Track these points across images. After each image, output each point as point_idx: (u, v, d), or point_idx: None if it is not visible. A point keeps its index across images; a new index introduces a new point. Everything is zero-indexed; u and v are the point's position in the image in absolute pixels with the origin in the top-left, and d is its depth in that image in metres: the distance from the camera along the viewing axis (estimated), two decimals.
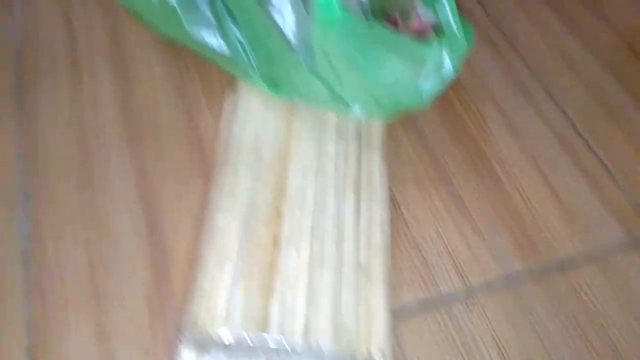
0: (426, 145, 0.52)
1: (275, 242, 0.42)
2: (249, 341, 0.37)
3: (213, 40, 0.45)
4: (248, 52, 0.46)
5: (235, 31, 0.46)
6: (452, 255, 0.46)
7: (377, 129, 0.50)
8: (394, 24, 0.44)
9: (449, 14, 0.38)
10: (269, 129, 0.48)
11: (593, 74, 0.60)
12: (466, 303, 0.43)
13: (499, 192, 0.50)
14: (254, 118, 0.49)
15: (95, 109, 0.51)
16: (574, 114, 0.57)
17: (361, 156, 0.46)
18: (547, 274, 0.46)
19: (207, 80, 0.54)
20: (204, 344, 0.37)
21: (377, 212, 0.45)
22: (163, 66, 0.55)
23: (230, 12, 0.46)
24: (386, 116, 0.48)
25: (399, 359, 0.40)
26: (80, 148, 0.48)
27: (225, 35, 0.46)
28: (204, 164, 0.48)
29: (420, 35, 0.41)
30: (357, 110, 0.43)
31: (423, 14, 0.41)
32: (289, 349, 0.37)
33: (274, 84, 0.46)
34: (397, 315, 0.42)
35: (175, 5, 0.45)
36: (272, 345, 0.37)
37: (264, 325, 0.37)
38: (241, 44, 0.44)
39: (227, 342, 0.37)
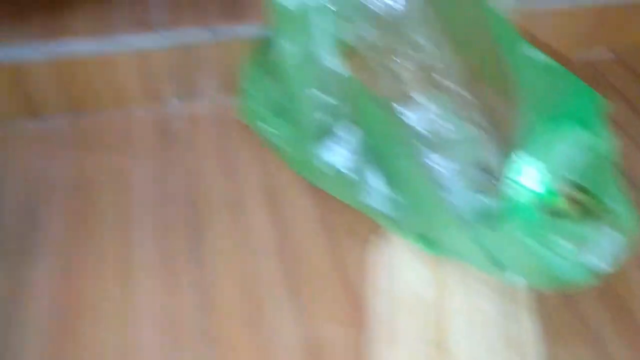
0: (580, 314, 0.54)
1: None
2: None
3: (365, 196, 0.50)
4: (400, 208, 0.50)
5: (387, 187, 0.50)
6: None
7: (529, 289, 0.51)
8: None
9: (618, 194, 0.40)
10: (420, 280, 0.51)
11: None
12: None
13: None
14: (403, 268, 0.52)
15: (254, 253, 0.57)
16: None
17: (515, 314, 0.49)
18: None
19: (355, 225, 0.58)
20: None
21: None
22: (313, 209, 0.60)
23: (385, 169, 0.50)
24: (545, 287, 0.50)
25: None
26: (245, 292, 0.54)
27: (375, 191, 0.51)
28: (356, 310, 0.52)
29: None
30: (513, 276, 0.45)
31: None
32: None
33: (426, 241, 0.50)
34: None
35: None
36: None
37: None
38: (393, 199, 0.48)
39: None
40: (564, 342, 0.50)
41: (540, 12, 0.75)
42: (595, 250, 0.39)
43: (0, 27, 0.64)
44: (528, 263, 0.43)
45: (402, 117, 0.46)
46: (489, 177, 0.46)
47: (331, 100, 0.46)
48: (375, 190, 0.48)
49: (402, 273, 0.52)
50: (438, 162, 0.46)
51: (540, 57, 0.42)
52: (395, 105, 0.47)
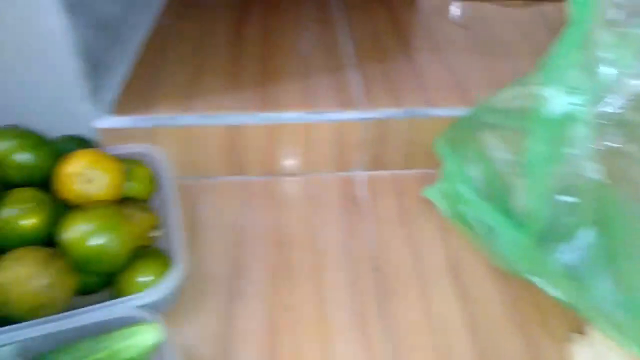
0: None
1: None
2: None
3: (591, 296, 0.49)
4: (632, 312, 0.48)
5: (620, 290, 0.49)
6: None
7: None
8: None
9: None
10: None
11: None
12: None
13: None
14: None
15: (444, 327, 0.58)
16: None
17: None
18: None
19: (549, 317, 0.58)
20: None
21: None
22: (501, 294, 0.61)
23: (622, 272, 0.49)
24: None
25: None
26: None
27: (604, 292, 0.49)
28: None
29: None
30: None
31: None
32: None
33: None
34: None
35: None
36: None
37: None
38: (624, 303, 0.48)
39: None
40: None
41: None
42: None
43: (222, 97, 0.74)
44: None
45: None
46: None
47: (573, 202, 0.47)
48: (605, 292, 0.47)
49: None
50: None
51: None
52: None
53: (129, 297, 0.52)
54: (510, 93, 0.55)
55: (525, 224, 0.52)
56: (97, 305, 0.51)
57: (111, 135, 0.69)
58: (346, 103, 0.73)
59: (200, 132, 0.70)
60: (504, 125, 0.54)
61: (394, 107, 0.73)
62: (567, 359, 0.54)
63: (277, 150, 0.73)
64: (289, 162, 0.75)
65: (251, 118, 0.71)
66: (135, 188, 0.63)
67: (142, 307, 0.51)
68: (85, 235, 0.51)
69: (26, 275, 0.47)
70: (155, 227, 0.61)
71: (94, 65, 0.67)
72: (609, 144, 0.44)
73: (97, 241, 0.51)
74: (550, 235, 0.49)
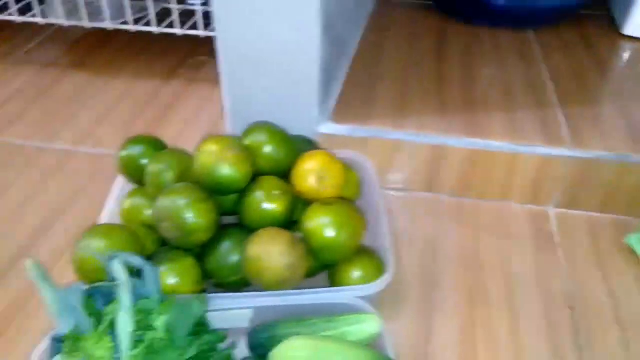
0: None
1: None
2: None
3: None
4: None
5: None
6: None
7: None
8: None
9: None
10: None
11: None
12: None
13: None
14: None
15: None
16: None
17: None
18: None
19: None
20: None
21: None
22: None
23: None
24: None
25: None
26: None
27: None
28: None
29: None
30: None
31: None
32: None
33: None
34: None
35: None
36: None
37: None
38: None
39: None
40: None
41: None
42: None
43: (428, 118, 0.79)
44: None
45: None
46: None
47: None
48: None
49: None
50: None
51: None
52: None
53: (351, 287, 0.58)
54: None
55: None
56: (323, 289, 0.58)
57: (328, 140, 0.77)
58: (553, 139, 0.74)
59: (407, 148, 0.76)
60: None
61: (603, 149, 0.73)
62: None
63: (476, 174, 0.77)
64: (485, 188, 0.78)
65: (457, 141, 0.75)
66: (346, 191, 0.70)
67: (360, 298, 0.57)
68: (325, 226, 0.58)
69: (277, 252, 0.55)
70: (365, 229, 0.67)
71: (327, 77, 0.76)
72: None
73: (333, 233, 0.58)
74: None
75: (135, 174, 0.69)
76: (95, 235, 0.57)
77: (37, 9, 1.03)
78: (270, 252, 0.56)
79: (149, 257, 0.58)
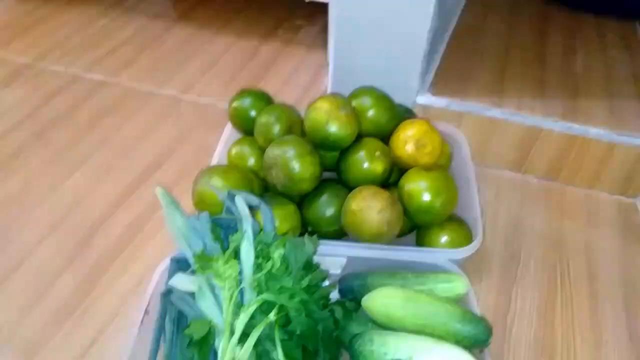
0: None
1: None
2: None
3: None
4: None
5: None
6: None
7: None
8: None
9: None
10: None
11: None
12: None
13: None
14: None
15: None
16: None
17: None
18: None
19: None
20: None
21: None
22: None
23: None
24: None
25: None
26: None
27: None
28: None
29: None
30: None
31: None
32: None
33: None
34: None
35: None
36: None
37: None
38: None
39: None
40: None
41: None
42: None
43: (527, 99, 0.80)
44: None
45: None
46: None
47: None
48: None
49: None
50: None
51: None
52: None
53: (441, 249, 0.62)
54: None
55: None
56: (416, 248, 0.62)
57: (424, 111, 0.79)
58: None
59: (503, 126, 0.78)
60: None
61: None
62: None
63: (568, 159, 0.77)
64: (575, 173, 0.78)
65: (553, 125, 0.76)
66: (439, 160, 0.72)
67: (451, 261, 0.60)
68: (423, 190, 0.62)
69: (378, 208, 0.60)
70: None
71: (431, 49, 0.78)
72: None
73: (430, 197, 0.61)
74: None
75: (243, 124, 0.74)
76: (214, 174, 0.63)
77: None
78: (372, 207, 0.60)
79: None
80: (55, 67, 1.01)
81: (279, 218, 0.63)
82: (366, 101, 0.69)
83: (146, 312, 0.54)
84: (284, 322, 0.48)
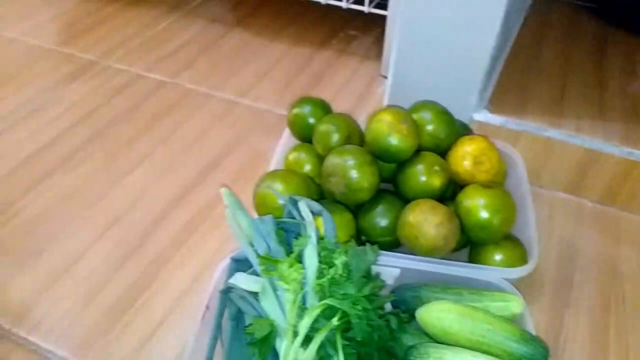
0: None
1: None
2: None
3: None
4: None
5: None
6: None
7: None
8: None
9: None
10: None
11: None
12: None
13: None
14: None
15: None
16: None
17: None
18: None
19: None
20: None
21: None
22: None
23: None
24: None
25: None
26: None
27: None
28: None
29: None
30: None
31: None
32: None
33: None
34: None
35: None
36: None
37: None
38: None
39: None
40: None
41: None
42: None
43: (586, 121, 0.79)
44: None
45: None
46: None
47: None
48: None
49: None
50: None
51: None
52: None
53: (497, 268, 0.62)
54: None
55: None
56: (472, 265, 0.62)
57: (480, 128, 0.80)
58: None
59: (561, 147, 0.77)
60: None
61: None
62: None
63: (626, 185, 0.76)
64: (632, 200, 0.77)
65: (613, 149, 0.75)
66: (495, 178, 0.72)
67: (505, 280, 0.61)
68: (481, 207, 0.62)
69: (436, 222, 0.60)
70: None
71: (491, 66, 0.78)
72: None
73: (488, 215, 0.62)
74: None
75: (301, 131, 0.76)
76: (276, 178, 0.65)
77: None
78: (430, 220, 0.60)
79: None
80: (118, 65, 1.05)
81: (336, 226, 0.64)
82: (426, 115, 0.69)
83: (207, 308, 0.56)
84: (344, 328, 0.49)
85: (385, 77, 1.04)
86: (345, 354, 0.47)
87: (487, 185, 0.64)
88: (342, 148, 0.66)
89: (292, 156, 0.74)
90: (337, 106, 0.78)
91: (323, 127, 0.71)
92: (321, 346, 0.47)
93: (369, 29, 1.20)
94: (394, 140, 0.64)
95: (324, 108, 0.77)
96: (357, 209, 0.68)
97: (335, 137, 0.70)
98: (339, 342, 0.47)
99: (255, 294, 0.53)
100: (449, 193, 0.69)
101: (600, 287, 0.69)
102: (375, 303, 0.51)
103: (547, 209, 0.79)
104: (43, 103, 0.96)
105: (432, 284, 0.61)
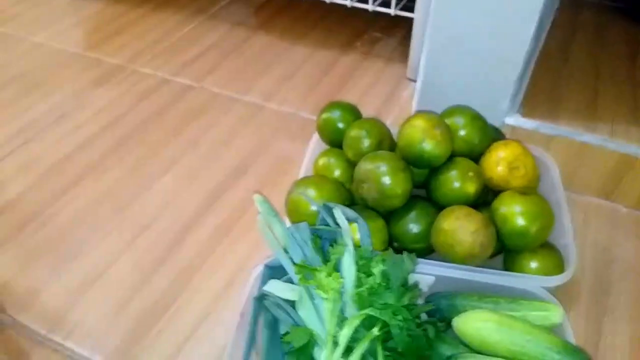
0: None
1: None
2: None
3: None
4: None
5: None
6: None
7: None
8: None
9: None
10: None
11: None
12: None
13: None
14: None
15: None
16: None
17: None
18: None
19: None
20: None
21: None
22: None
23: None
24: None
25: None
26: None
27: None
28: None
29: None
30: None
31: None
32: None
33: None
34: None
35: None
36: None
37: None
38: None
39: None
40: None
41: None
42: None
43: (621, 125, 0.77)
44: None
45: None
46: None
47: None
48: None
49: None
50: None
51: None
52: None
53: (535, 276, 0.61)
54: None
55: None
56: (508, 273, 0.61)
57: (512, 132, 0.78)
58: None
59: (595, 152, 0.76)
60: None
61: None
62: None
63: None
64: None
65: None
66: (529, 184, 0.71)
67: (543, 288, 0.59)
68: (518, 214, 0.61)
69: (472, 229, 0.59)
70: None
71: (523, 69, 0.77)
72: None
73: (525, 222, 0.61)
74: None
75: (331, 135, 0.75)
76: (308, 184, 0.64)
77: None
78: (466, 228, 0.60)
79: None
80: (145, 69, 1.06)
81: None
82: (459, 120, 0.69)
83: (242, 315, 0.56)
84: (384, 338, 0.48)
85: (412, 80, 1.03)
86: None
87: (523, 192, 0.63)
88: (374, 154, 0.66)
89: (322, 161, 0.74)
90: (363, 110, 0.77)
91: (354, 132, 0.70)
92: (362, 356, 0.46)
93: (392, 30, 1.19)
94: (428, 146, 0.64)
95: (353, 113, 0.76)
96: (389, 215, 0.67)
97: (366, 143, 0.69)
98: (380, 353, 0.46)
99: (290, 302, 0.53)
100: (483, 199, 0.69)
101: (639, 294, 0.67)
102: (413, 312, 0.50)
103: (581, 214, 0.78)
104: (71, 108, 0.97)
105: (468, 292, 0.60)
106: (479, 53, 0.74)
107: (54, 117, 0.95)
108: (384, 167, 0.63)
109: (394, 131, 0.72)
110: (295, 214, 0.63)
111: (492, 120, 0.76)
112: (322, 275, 0.49)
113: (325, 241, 0.56)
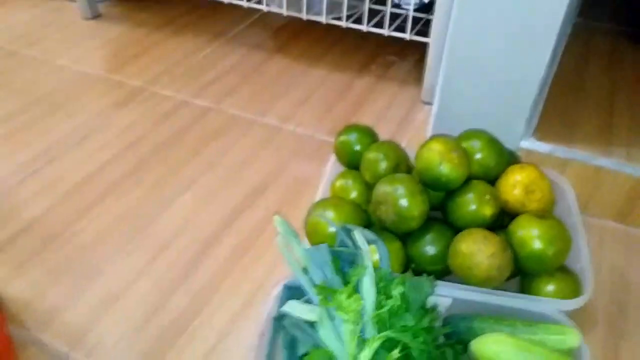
0: None
1: None
2: None
3: None
4: None
5: None
6: None
7: None
8: None
9: None
10: None
11: None
12: None
13: None
14: None
15: None
16: None
17: None
18: None
19: None
20: None
21: None
22: None
23: None
24: None
25: None
26: None
27: None
28: None
29: None
30: None
31: None
32: None
33: None
34: None
35: None
36: None
37: None
38: None
39: None
40: None
41: None
42: None
43: (635, 150, 0.78)
44: None
45: None
46: None
47: None
48: None
49: None
50: None
51: None
52: None
53: (553, 300, 0.61)
54: None
55: None
56: (525, 296, 0.61)
57: (527, 156, 0.79)
58: None
59: (610, 176, 0.76)
60: None
61: None
62: None
63: None
64: None
65: None
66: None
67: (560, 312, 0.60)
68: (535, 238, 0.61)
69: (489, 252, 0.60)
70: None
71: (538, 94, 0.78)
72: None
73: (542, 246, 0.61)
74: None
75: (348, 158, 0.77)
76: (327, 206, 0.65)
77: None
78: (483, 250, 0.60)
79: None
80: (165, 91, 1.09)
81: None
82: (476, 144, 0.70)
83: (261, 335, 0.57)
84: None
85: (426, 103, 1.04)
86: None
87: (541, 216, 0.64)
88: (392, 176, 0.67)
89: (339, 183, 0.75)
90: (379, 132, 0.79)
91: (371, 155, 0.72)
92: None
93: (406, 54, 1.21)
94: (445, 169, 0.65)
95: (370, 135, 0.77)
96: (406, 237, 0.68)
97: (384, 165, 0.71)
98: None
99: (309, 323, 0.54)
100: (498, 222, 0.69)
101: None
102: (433, 335, 0.51)
103: (596, 237, 0.78)
104: (93, 129, 0.99)
105: (486, 315, 0.60)
106: (495, 77, 0.76)
107: (77, 137, 0.97)
108: (401, 190, 0.64)
109: (410, 153, 0.73)
110: (314, 235, 0.65)
111: (508, 143, 0.77)
112: (342, 297, 0.50)
113: (343, 263, 0.57)
